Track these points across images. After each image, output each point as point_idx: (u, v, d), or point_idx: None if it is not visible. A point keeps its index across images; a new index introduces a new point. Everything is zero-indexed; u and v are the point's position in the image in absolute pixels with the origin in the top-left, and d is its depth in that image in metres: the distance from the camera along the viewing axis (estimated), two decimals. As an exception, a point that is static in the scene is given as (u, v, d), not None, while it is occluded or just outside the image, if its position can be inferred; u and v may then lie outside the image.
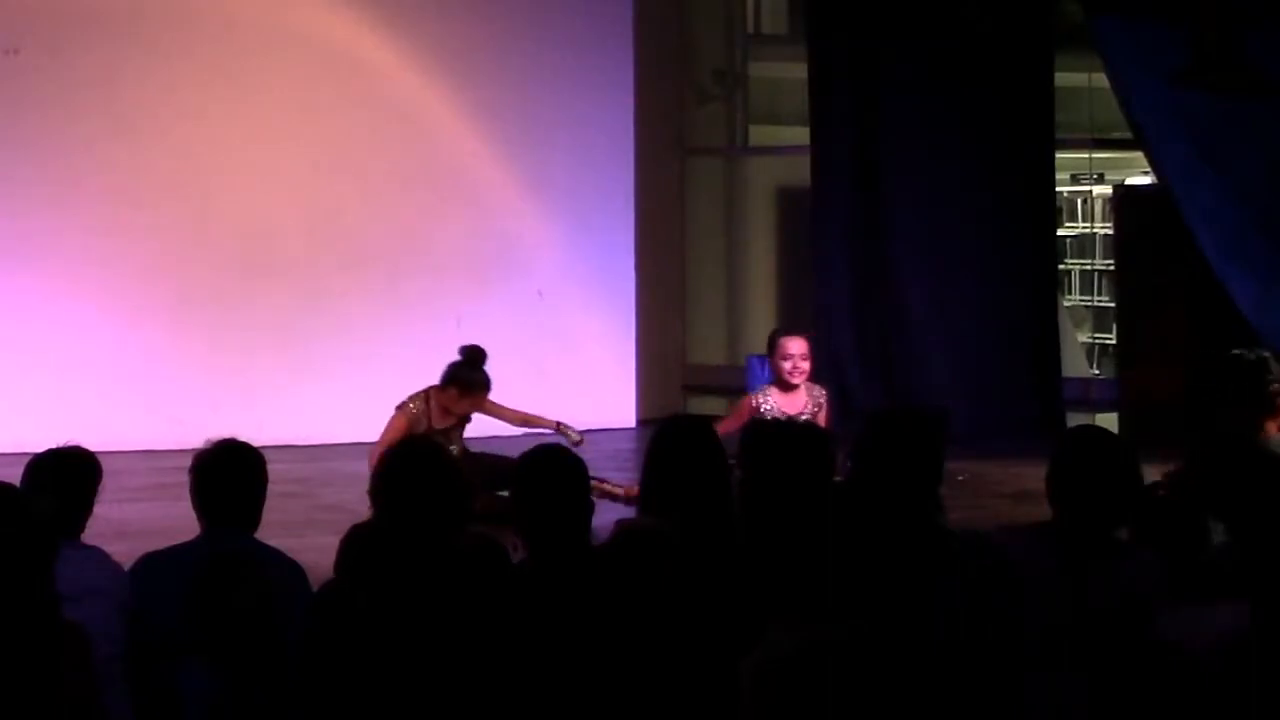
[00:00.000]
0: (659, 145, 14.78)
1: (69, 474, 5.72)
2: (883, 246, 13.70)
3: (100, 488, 5.81)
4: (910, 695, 3.64)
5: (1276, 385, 6.72)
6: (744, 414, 9.98)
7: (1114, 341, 14.79)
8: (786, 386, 10.24)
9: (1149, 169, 13.02)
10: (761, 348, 11.24)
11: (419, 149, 13.61)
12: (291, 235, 13.20)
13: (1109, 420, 12.75)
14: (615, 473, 10.48)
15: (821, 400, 10.37)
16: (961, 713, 4.41)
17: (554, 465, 5.03)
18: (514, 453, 5.21)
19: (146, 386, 12.68)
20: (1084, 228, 16.99)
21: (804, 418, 10.11)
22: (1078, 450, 4.91)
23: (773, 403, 10.10)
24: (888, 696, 3.09)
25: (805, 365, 10.27)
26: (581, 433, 10.64)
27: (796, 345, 10.42)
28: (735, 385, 14.39)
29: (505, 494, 5.45)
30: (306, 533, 7.44)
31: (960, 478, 10.24)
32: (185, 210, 12.95)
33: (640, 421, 13.96)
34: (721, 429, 9.55)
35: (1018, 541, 4.97)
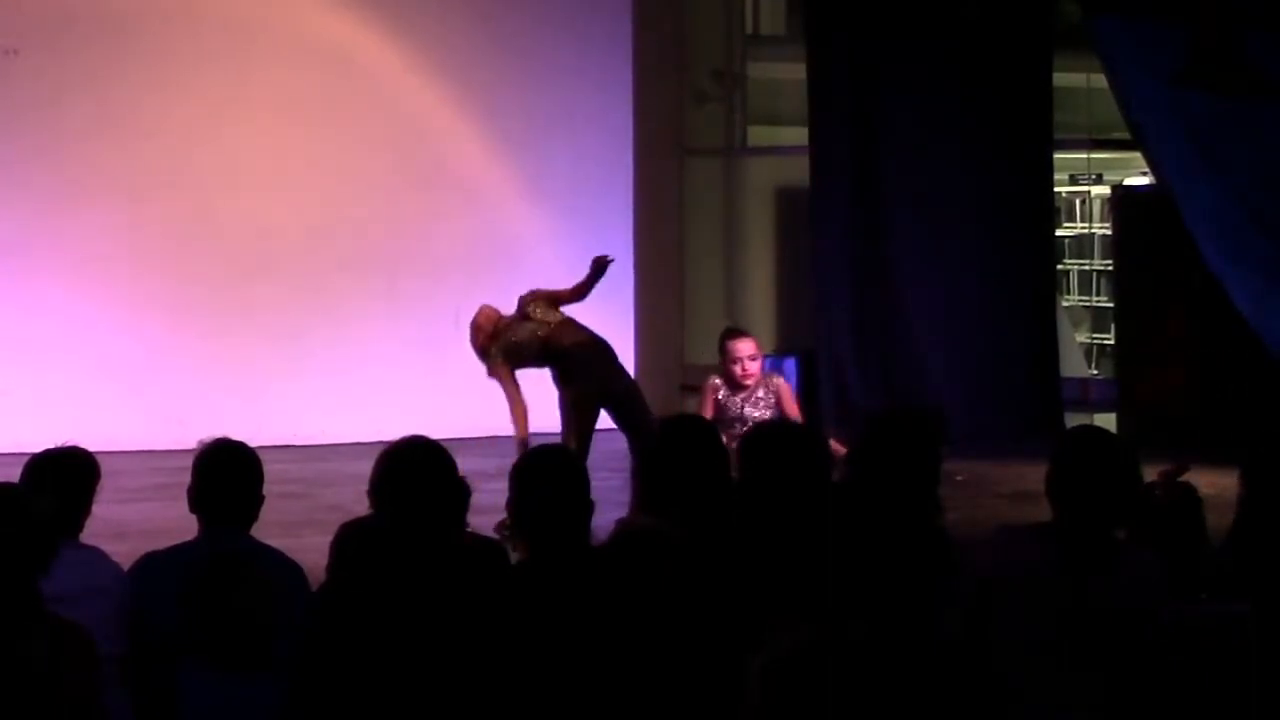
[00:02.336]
0: (658, 146, 14.78)
1: (68, 474, 5.72)
2: (881, 247, 13.71)
3: (99, 488, 5.81)
4: (910, 696, 3.64)
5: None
6: (710, 400, 10.11)
7: (1112, 342, 14.81)
8: (737, 387, 10.27)
9: (1147, 169, 13.03)
10: (761, 348, 11.26)
11: (418, 149, 13.61)
12: (291, 235, 13.21)
13: (1107, 420, 12.76)
14: (612, 473, 10.46)
15: (777, 389, 10.41)
16: (962, 713, 4.41)
17: (554, 465, 5.03)
18: (512, 457, 5.19)
19: (146, 386, 12.69)
20: (1082, 228, 17.00)
21: (760, 412, 10.17)
22: (1077, 450, 4.92)
23: (725, 397, 10.16)
24: (888, 697, 3.09)
25: (754, 366, 10.31)
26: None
27: (745, 347, 10.45)
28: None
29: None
30: (306, 533, 7.45)
31: (959, 478, 10.24)
32: (185, 210, 12.96)
33: (639, 422, 13.93)
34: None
35: (1017, 541, 4.97)
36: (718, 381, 10.34)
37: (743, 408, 10.22)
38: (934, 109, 13.53)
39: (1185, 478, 5.85)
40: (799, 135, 14.28)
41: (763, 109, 15.82)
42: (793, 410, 10.31)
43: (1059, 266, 15.34)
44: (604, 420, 13.61)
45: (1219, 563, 5.00)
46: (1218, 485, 5.98)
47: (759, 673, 3.10)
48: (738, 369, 10.37)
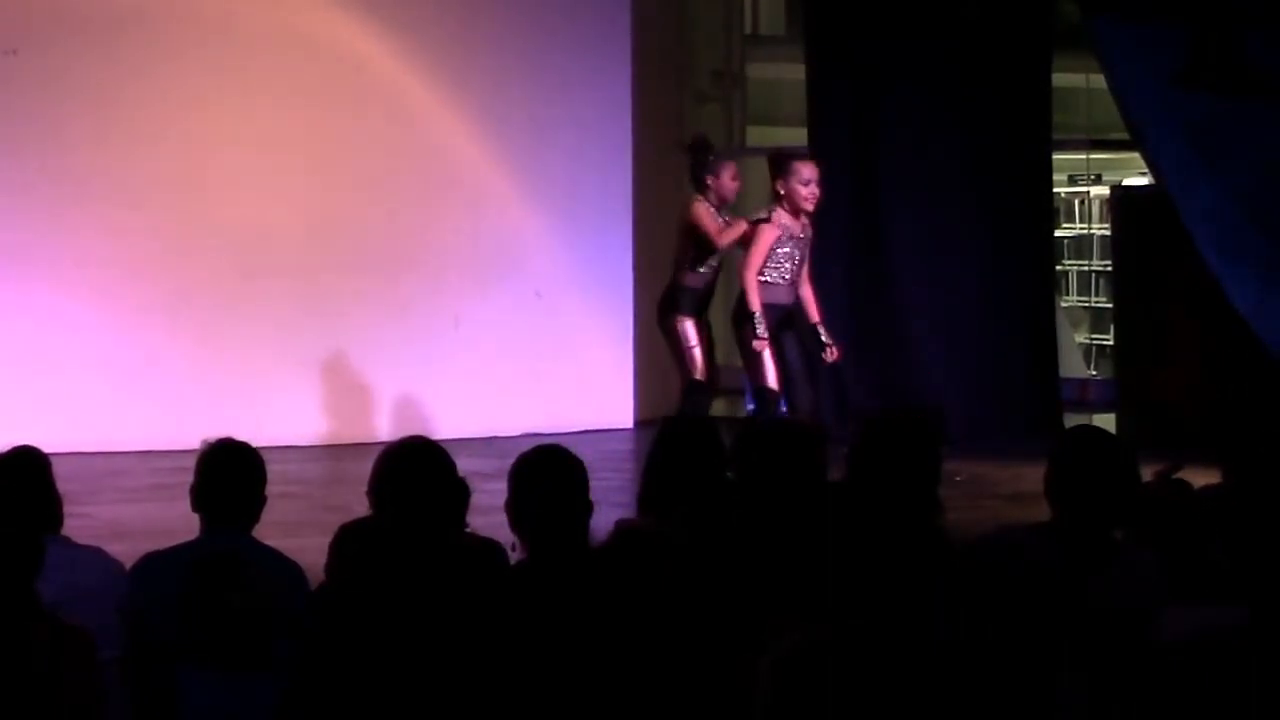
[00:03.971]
0: (657, 146, 14.77)
1: (28, 473, 5.69)
2: (880, 247, 13.71)
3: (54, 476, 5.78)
4: (911, 696, 3.64)
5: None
6: (766, 241, 10.36)
7: (1111, 342, 14.81)
8: (796, 211, 10.53)
9: (1146, 170, 13.03)
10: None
11: (417, 150, 13.61)
12: (290, 236, 13.20)
13: (1106, 421, 12.77)
14: (612, 473, 10.49)
15: (809, 229, 10.70)
16: (962, 714, 4.41)
17: (554, 465, 5.03)
18: (512, 457, 5.20)
19: (146, 387, 12.68)
20: (1081, 228, 17.01)
21: (803, 244, 10.42)
22: (1076, 450, 4.92)
23: (785, 223, 10.45)
24: (888, 698, 3.09)
25: (819, 191, 10.60)
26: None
27: (812, 170, 10.70)
28: (733, 386, 14.38)
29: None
30: (306, 533, 7.44)
31: (958, 478, 10.24)
32: (184, 211, 12.95)
33: (638, 423, 13.96)
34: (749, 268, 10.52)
35: (1016, 542, 4.98)
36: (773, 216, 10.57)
37: (793, 250, 10.52)
38: (934, 109, 13.53)
39: (1180, 476, 5.86)
40: (798, 135, 14.28)
41: (762, 109, 15.82)
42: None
43: (1058, 267, 15.35)
44: (602, 420, 13.68)
45: (1216, 563, 5.00)
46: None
47: (769, 670, 3.11)
48: (806, 190, 10.58)
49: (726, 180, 11.17)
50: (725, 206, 11.21)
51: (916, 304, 13.61)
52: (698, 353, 10.96)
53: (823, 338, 10.90)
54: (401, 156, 13.55)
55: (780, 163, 10.91)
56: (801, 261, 10.86)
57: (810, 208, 10.74)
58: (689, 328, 11.08)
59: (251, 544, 5.63)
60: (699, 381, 10.89)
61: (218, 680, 5.20)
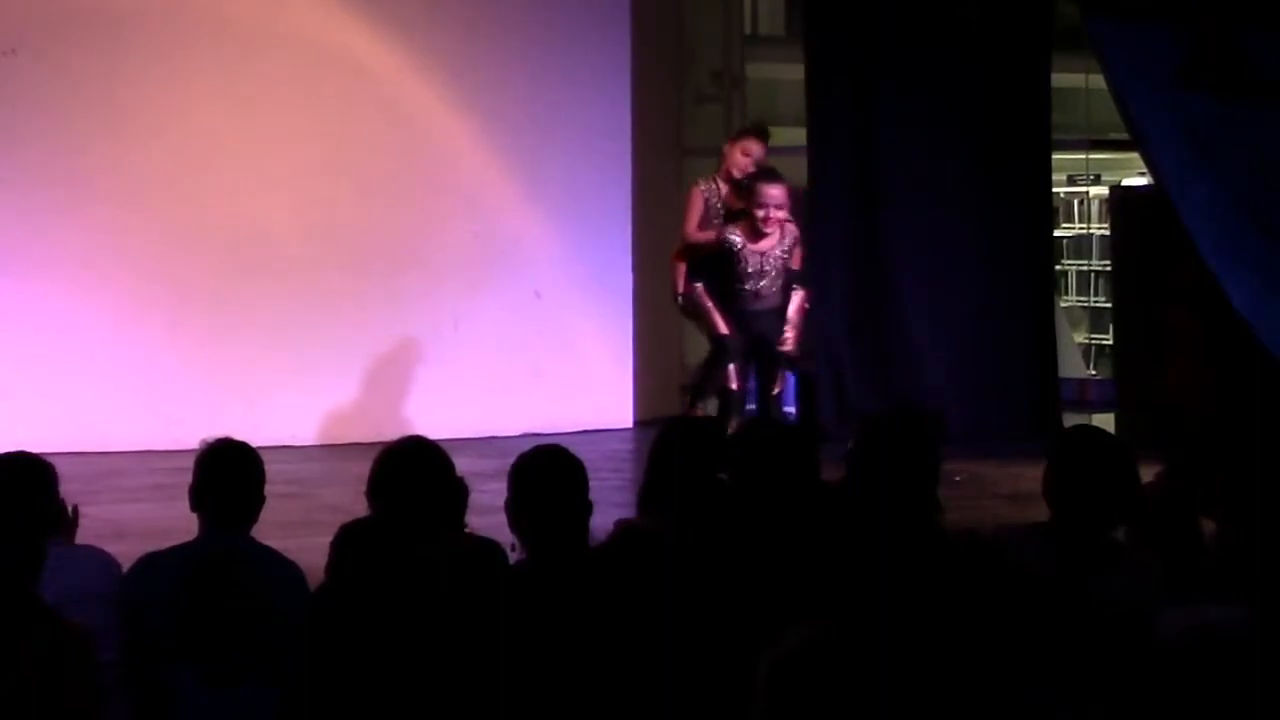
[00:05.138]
0: (657, 146, 14.77)
1: (30, 478, 5.67)
2: (879, 247, 13.71)
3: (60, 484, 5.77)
4: (910, 696, 3.65)
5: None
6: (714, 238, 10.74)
7: (1110, 342, 14.82)
8: (757, 234, 10.55)
9: (1146, 170, 13.03)
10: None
11: (416, 150, 13.61)
12: (289, 236, 13.20)
13: (1105, 421, 12.77)
14: (612, 473, 10.49)
15: (792, 241, 10.67)
16: (961, 714, 4.42)
17: (553, 465, 5.03)
18: (511, 457, 5.20)
19: (145, 387, 12.67)
20: (1080, 228, 17.02)
21: (776, 255, 10.41)
22: (1074, 450, 4.93)
23: (740, 242, 10.49)
24: (887, 698, 3.10)
25: (780, 214, 10.56)
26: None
27: (776, 194, 10.67)
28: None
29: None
30: (305, 533, 7.45)
31: (957, 478, 10.24)
32: (183, 211, 12.95)
33: (638, 422, 13.96)
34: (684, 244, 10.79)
35: (1014, 542, 4.98)
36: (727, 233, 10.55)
37: (760, 263, 10.46)
38: (931, 109, 13.52)
39: (1180, 478, 5.86)
40: (797, 136, 14.28)
41: (762, 109, 15.82)
42: (795, 262, 10.89)
43: (1058, 267, 15.34)
44: (601, 420, 13.68)
45: (1214, 563, 5.01)
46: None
47: (768, 670, 3.11)
48: (761, 214, 10.57)
49: (737, 155, 11.24)
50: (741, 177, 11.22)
51: (916, 304, 13.60)
52: (715, 313, 11.09)
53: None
54: (401, 156, 13.54)
55: (749, 185, 11.01)
56: (770, 274, 10.89)
57: (768, 230, 10.83)
58: (698, 290, 11.25)
59: (251, 544, 5.63)
60: (724, 336, 11.00)
61: (216, 681, 5.20)
